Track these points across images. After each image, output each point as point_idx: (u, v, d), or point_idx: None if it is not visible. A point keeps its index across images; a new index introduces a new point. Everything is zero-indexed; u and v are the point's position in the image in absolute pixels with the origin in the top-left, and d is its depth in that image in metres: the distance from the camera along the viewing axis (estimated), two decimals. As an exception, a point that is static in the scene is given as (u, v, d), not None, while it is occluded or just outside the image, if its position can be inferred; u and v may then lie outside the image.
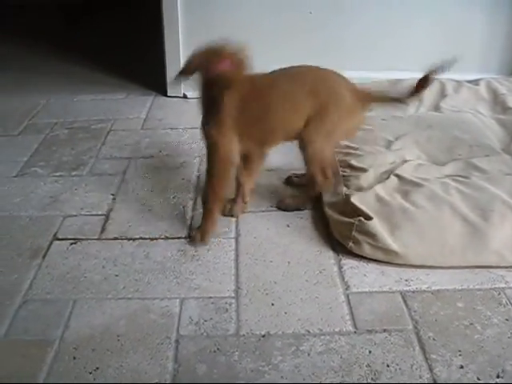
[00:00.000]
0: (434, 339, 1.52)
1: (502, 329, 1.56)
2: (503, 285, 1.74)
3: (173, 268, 1.78)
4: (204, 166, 2.33)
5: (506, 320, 1.60)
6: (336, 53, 3.04)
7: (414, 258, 1.78)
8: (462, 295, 1.69)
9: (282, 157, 2.28)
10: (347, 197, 1.94)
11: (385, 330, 1.55)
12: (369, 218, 1.81)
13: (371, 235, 1.77)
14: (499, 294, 1.70)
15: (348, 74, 2.95)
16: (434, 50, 3.06)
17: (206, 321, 1.58)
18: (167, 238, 1.93)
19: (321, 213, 2.03)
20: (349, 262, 1.81)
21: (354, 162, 2.15)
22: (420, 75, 2.96)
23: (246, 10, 2.97)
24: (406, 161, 2.15)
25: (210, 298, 1.67)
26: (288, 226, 1.98)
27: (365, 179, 2.04)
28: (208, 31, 2.98)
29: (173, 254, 1.85)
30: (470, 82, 3.02)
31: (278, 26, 2.99)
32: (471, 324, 1.58)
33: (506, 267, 1.80)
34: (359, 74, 2.93)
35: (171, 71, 3.04)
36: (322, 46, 3.03)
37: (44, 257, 1.84)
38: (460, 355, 1.48)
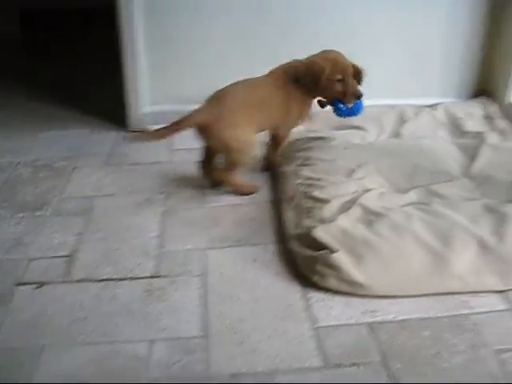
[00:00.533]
0: (402, 370, 1.54)
1: (468, 356, 1.59)
2: (468, 311, 1.77)
3: (140, 309, 1.77)
4: (170, 201, 2.35)
5: (472, 346, 1.62)
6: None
7: (379, 288, 1.80)
8: (427, 324, 1.71)
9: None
10: (310, 229, 1.96)
11: (353, 364, 1.56)
12: (333, 250, 1.82)
13: (336, 268, 1.79)
14: (464, 320, 1.72)
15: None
16: (394, 77, 3.14)
17: (175, 363, 1.58)
18: (132, 278, 1.91)
19: (287, 246, 2.04)
20: (315, 296, 1.82)
21: (316, 194, 2.17)
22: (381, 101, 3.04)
23: (207, 47, 2.99)
24: (368, 190, 2.18)
25: (179, 338, 1.66)
26: (255, 260, 1.99)
27: (328, 210, 2.06)
28: (169, 66, 3.01)
29: (139, 294, 1.83)
30: (429, 106, 3.09)
31: (243, 59, 3.03)
32: (438, 353, 1.60)
33: (470, 292, 1.83)
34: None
35: (132, 106, 3.05)
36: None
37: (9, 303, 1.81)
38: (429, 385, 1.50)
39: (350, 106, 2.42)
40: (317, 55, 2.41)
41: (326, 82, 2.34)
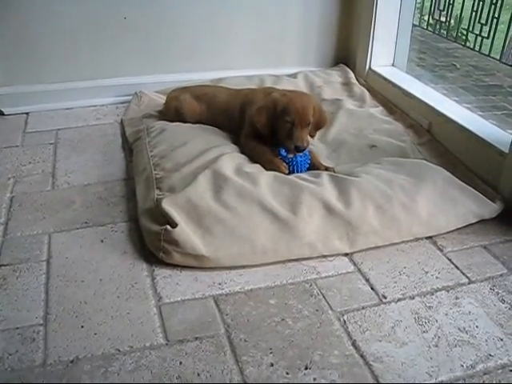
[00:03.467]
0: (245, 340, 1.53)
1: (312, 320, 1.60)
2: (315, 276, 1.78)
3: (-23, 301, 1.67)
4: (19, 187, 2.23)
5: (316, 311, 1.64)
6: (160, 57, 3.02)
7: (226, 259, 1.78)
8: (274, 292, 1.71)
9: (98, 171, 2.27)
10: (157, 201, 1.91)
11: (196, 338, 1.53)
12: (174, 225, 1.78)
13: (178, 243, 1.74)
14: (311, 285, 1.74)
15: (172, 76, 2.96)
16: (255, 50, 3.14)
17: (10, 354, 1.49)
18: (-31, 267, 1.80)
19: (136, 223, 1.99)
20: (162, 272, 1.77)
21: (168, 165, 2.13)
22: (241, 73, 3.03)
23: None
24: (222, 154, 2.15)
25: (17, 328, 1.57)
26: (102, 241, 1.92)
27: (177, 178, 2.02)
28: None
29: (-23, 285, 1.73)
30: (289, 76, 3.10)
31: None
32: (283, 320, 1.60)
33: (318, 257, 1.85)
34: (183, 77, 2.94)
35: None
36: (146, 50, 3.01)
37: None
38: (271, 353, 1.49)
39: (290, 155, 2.15)
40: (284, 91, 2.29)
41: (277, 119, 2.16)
